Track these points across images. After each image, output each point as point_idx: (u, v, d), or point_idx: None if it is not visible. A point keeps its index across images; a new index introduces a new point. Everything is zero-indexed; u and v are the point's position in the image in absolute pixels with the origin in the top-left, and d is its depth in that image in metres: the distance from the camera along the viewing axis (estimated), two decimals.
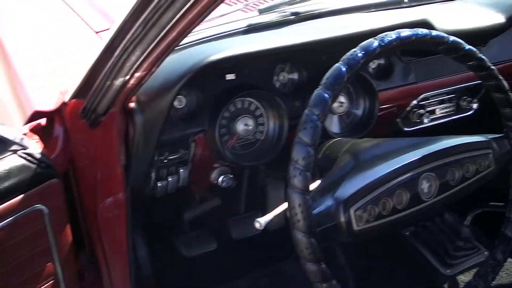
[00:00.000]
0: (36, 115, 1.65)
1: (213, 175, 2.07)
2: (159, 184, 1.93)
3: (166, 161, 1.87)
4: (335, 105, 2.04)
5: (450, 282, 2.53)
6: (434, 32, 1.52)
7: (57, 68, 2.03)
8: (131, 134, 1.67)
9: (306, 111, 1.35)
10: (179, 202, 2.41)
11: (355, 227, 1.41)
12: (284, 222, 2.23)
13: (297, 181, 1.31)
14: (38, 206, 1.54)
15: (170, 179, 1.94)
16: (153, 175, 1.89)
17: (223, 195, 2.42)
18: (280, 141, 1.96)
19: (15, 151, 1.50)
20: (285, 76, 2.00)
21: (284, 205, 1.44)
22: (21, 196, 1.49)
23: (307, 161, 1.31)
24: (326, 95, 1.35)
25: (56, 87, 1.74)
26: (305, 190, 1.32)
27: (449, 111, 2.33)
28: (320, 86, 1.37)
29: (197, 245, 2.46)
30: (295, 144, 1.33)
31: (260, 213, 1.54)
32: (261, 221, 1.45)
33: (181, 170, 1.94)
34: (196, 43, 1.87)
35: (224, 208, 2.46)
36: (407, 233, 2.67)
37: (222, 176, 2.06)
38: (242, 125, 1.92)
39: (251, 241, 2.51)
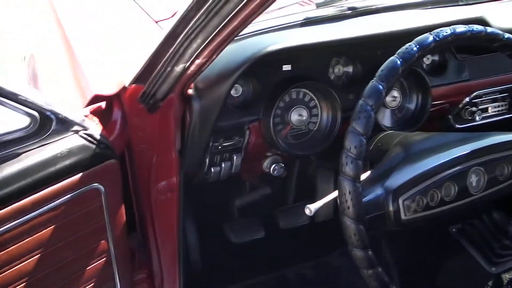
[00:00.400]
0: (96, 98, 1.71)
1: (265, 163, 2.09)
2: (212, 170, 1.96)
3: (220, 147, 1.90)
4: (388, 99, 2.06)
5: (494, 279, 2.53)
6: (489, 29, 1.53)
7: (117, 54, 2.08)
8: (187, 120, 1.72)
9: (360, 101, 1.39)
10: (230, 189, 2.44)
11: (403, 216, 1.44)
12: (332, 214, 2.26)
13: (348, 168, 1.34)
14: (96, 185, 1.59)
15: (223, 165, 1.96)
16: (207, 160, 1.92)
17: (273, 185, 2.45)
18: (332, 132, 1.98)
19: (76, 131, 1.56)
20: (340, 69, 2.02)
21: (335, 193, 1.47)
22: (81, 174, 1.55)
23: (359, 149, 1.34)
24: (380, 87, 1.38)
25: (115, 72, 1.79)
26: (356, 178, 1.35)
27: (502, 110, 2.32)
28: (375, 78, 1.40)
29: (246, 232, 2.48)
30: (348, 133, 1.37)
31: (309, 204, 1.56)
32: (311, 208, 1.48)
33: (234, 157, 1.96)
34: (255, 34, 1.90)
35: (273, 197, 2.49)
36: (454, 230, 2.67)
37: (274, 165, 2.08)
38: (296, 115, 1.94)
39: (298, 231, 2.53)
